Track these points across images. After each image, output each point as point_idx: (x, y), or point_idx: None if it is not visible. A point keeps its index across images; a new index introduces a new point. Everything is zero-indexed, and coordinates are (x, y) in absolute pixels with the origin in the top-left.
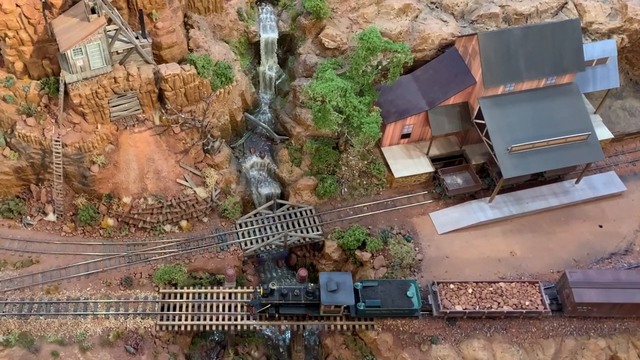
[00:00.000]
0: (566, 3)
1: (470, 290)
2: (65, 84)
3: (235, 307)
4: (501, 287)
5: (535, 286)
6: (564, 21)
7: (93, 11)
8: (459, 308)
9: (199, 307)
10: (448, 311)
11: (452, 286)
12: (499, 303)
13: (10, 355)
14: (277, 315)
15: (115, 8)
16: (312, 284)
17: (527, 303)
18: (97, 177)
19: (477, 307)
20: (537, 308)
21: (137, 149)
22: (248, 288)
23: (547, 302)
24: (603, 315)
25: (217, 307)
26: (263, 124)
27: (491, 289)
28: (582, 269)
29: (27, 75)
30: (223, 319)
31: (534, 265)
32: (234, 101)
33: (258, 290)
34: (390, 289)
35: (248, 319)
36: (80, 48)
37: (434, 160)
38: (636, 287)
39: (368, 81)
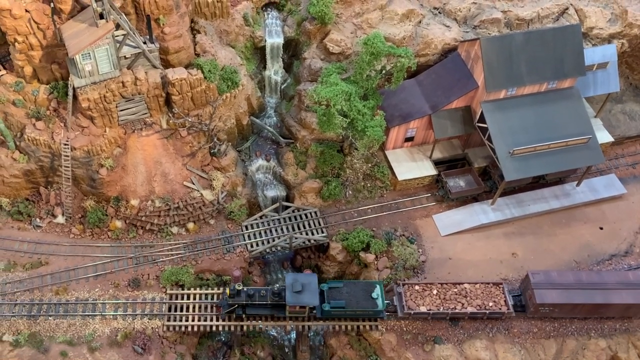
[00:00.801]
0: (567, 9)
1: (435, 292)
2: (74, 88)
3: None
4: (465, 288)
5: (499, 287)
6: (565, 26)
7: (101, 16)
8: (423, 309)
9: (206, 307)
10: (412, 312)
11: (417, 287)
12: (462, 304)
13: (20, 356)
14: (244, 316)
15: (123, 13)
16: (277, 285)
17: (490, 304)
18: (106, 180)
19: (442, 308)
20: (500, 309)
21: (145, 152)
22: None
23: (511, 303)
24: (565, 316)
25: None
26: (269, 128)
27: (456, 290)
28: (545, 270)
29: (36, 80)
30: (229, 320)
31: (535, 267)
32: (240, 105)
33: (225, 292)
34: (356, 291)
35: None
36: (89, 53)
37: (437, 163)
38: (596, 288)
39: (372, 85)
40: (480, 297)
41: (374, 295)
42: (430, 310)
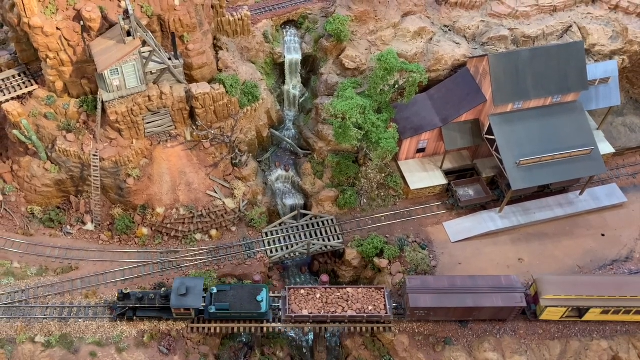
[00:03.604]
0: (571, 26)
1: (318, 295)
2: (102, 102)
3: None
4: (348, 292)
5: (381, 292)
6: (569, 43)
7: (129, 34)
8: (305, 312)
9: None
10: (294, 315)
11: (302, 291)
12: (343, 307)
13: (52, 356)
14: (134, 318)
15: (149, 31)
16: (164, 288)
17: (370, 308)
18: (133, 189)
19: (323, 311)
20: (379, 312)
21: (170, 163)
22: (274, 293)
23: (390, 307)
24: (441, 319)
25: None
26: (287, 140)
27: (339, 294)
28: (421, 275)
29: (67, 94)
30: (250, 322)
31: (540, 271)
32: (260, 118)
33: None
34: (242, 294)
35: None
36: (117, 68)
37: (447, 173)
38: (469, 292)
39: (385, 99)
40: (361, 301)
41: (259, 298)
42: (311, 313)
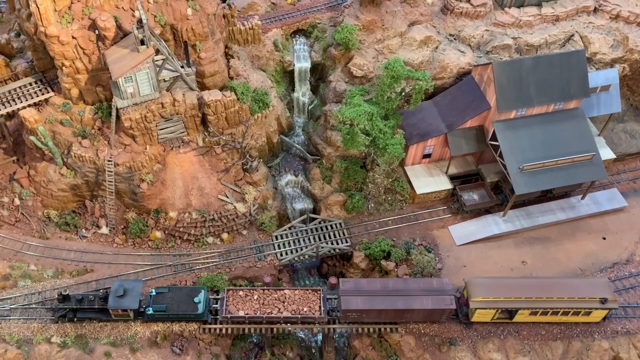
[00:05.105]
0: (573, 35)
1: (255, 297)
2: (117, 109)
3: None
4: (285, 294)
5: (317, 293)
6: (571, 52)
7: (142, 42)
8: (241, 313)
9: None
10: (229, 316)
11: (241, 293)
12: (279, 309)
13: (67, 356)
14: (75, 319)
15: (162, 40)
16: (102, 290)
17: (305, 309)
18: (146, 194)
19: (259, 312)
20: (313, 314)
21: (182, 168)
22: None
23: (324, 308)
24: (374, 320)
25: None
26: (297, 145)
27: (276, 295)
28: (355, 278)
29: (82, 101)
30: (260, 323)
31: (543, 274)
32: (271, 124)
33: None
34: (180, 295)
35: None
36: (131, 76)
37: (452, 178)
38: (401, 295)
39: (392, 106)
40: (297, 303)
41: (197, 299)
42: (247, 314)
